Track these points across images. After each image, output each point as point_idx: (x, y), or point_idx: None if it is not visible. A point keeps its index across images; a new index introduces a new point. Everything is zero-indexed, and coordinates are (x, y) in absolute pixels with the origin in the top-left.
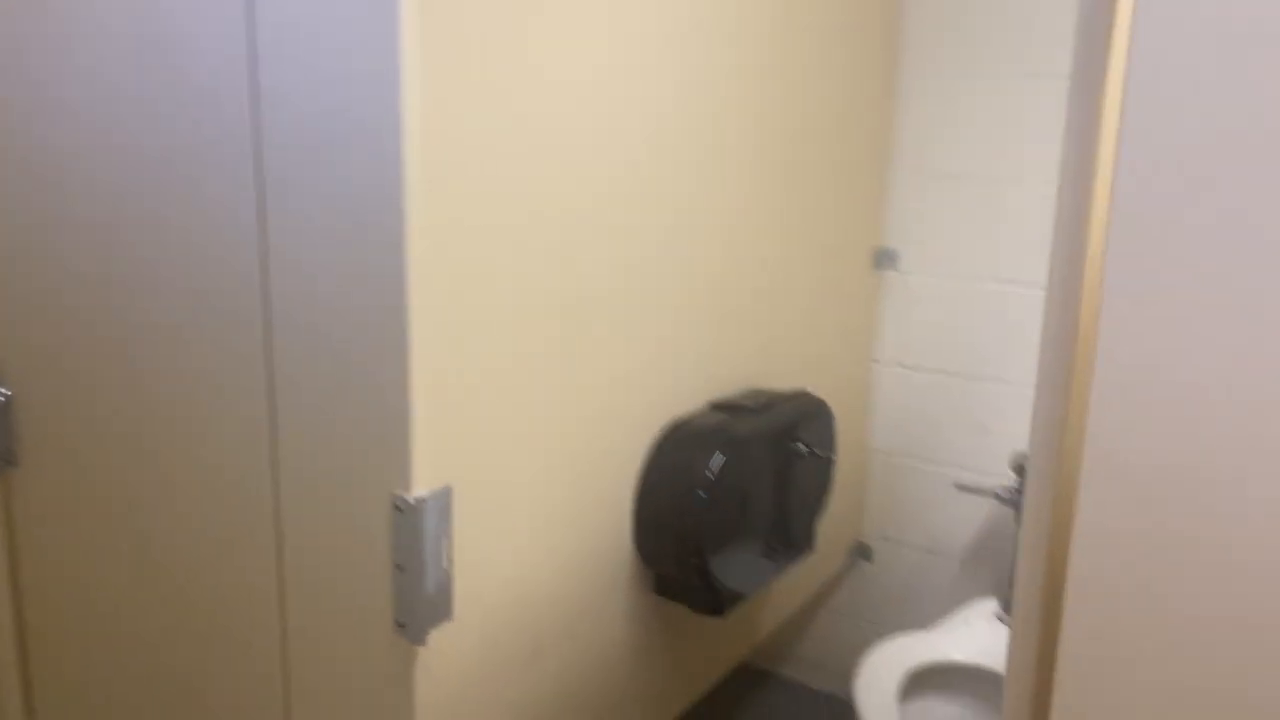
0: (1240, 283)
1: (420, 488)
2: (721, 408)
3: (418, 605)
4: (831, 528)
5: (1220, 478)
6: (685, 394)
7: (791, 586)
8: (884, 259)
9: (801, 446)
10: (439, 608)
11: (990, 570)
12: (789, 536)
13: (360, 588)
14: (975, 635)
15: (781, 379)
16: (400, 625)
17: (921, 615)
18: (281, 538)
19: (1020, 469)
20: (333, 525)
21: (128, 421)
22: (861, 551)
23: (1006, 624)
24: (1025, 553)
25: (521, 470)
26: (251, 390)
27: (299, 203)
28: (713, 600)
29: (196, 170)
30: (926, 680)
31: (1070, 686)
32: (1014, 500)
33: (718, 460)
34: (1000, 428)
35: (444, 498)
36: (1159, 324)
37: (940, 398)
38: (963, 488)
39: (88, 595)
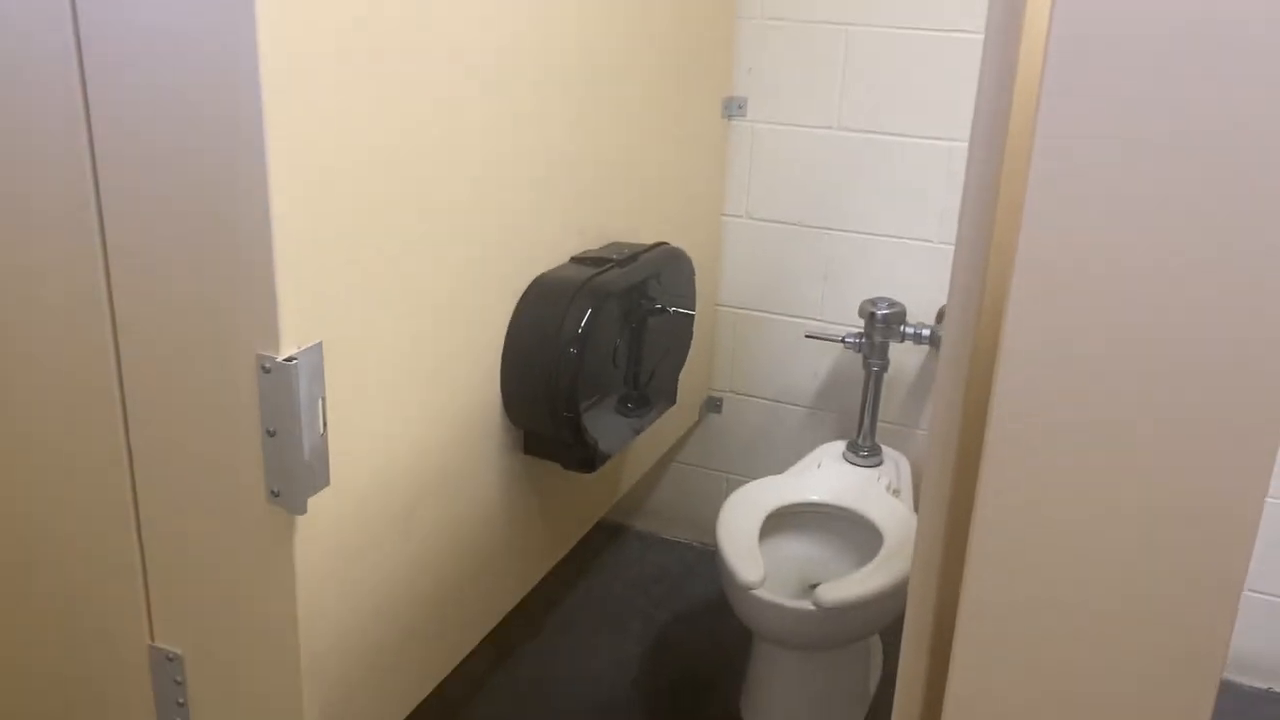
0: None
1: (289, 346)
2: (583, 261)
3: (294, 472)
4: (684, 381)
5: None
6: (548, 251)
7: (650, 441)
8: (732, 108)
9: (667, 300)
10: (316, 473)
11: (837, 415)
12: (654, 391)
13: (226, 458)
14: (827, 477)
15: (641, 235)
16: (275, 494)
17: (772, 463)
18: (127, 411)
19: (871, 316)
20: (189, 394)
21: None
22: (712, 405)
23: (854, 464)
24: (942, 383)
25: (387, 329)
26: (82, 246)
27: (127, 23)
28: (585, 456)
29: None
30: (783, 521)
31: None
32: (878, 345)
33: (587, 313)
34: (848, 277)
35: (315, 356)
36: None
37: (789, 249)
38: (812, 336)
39: None
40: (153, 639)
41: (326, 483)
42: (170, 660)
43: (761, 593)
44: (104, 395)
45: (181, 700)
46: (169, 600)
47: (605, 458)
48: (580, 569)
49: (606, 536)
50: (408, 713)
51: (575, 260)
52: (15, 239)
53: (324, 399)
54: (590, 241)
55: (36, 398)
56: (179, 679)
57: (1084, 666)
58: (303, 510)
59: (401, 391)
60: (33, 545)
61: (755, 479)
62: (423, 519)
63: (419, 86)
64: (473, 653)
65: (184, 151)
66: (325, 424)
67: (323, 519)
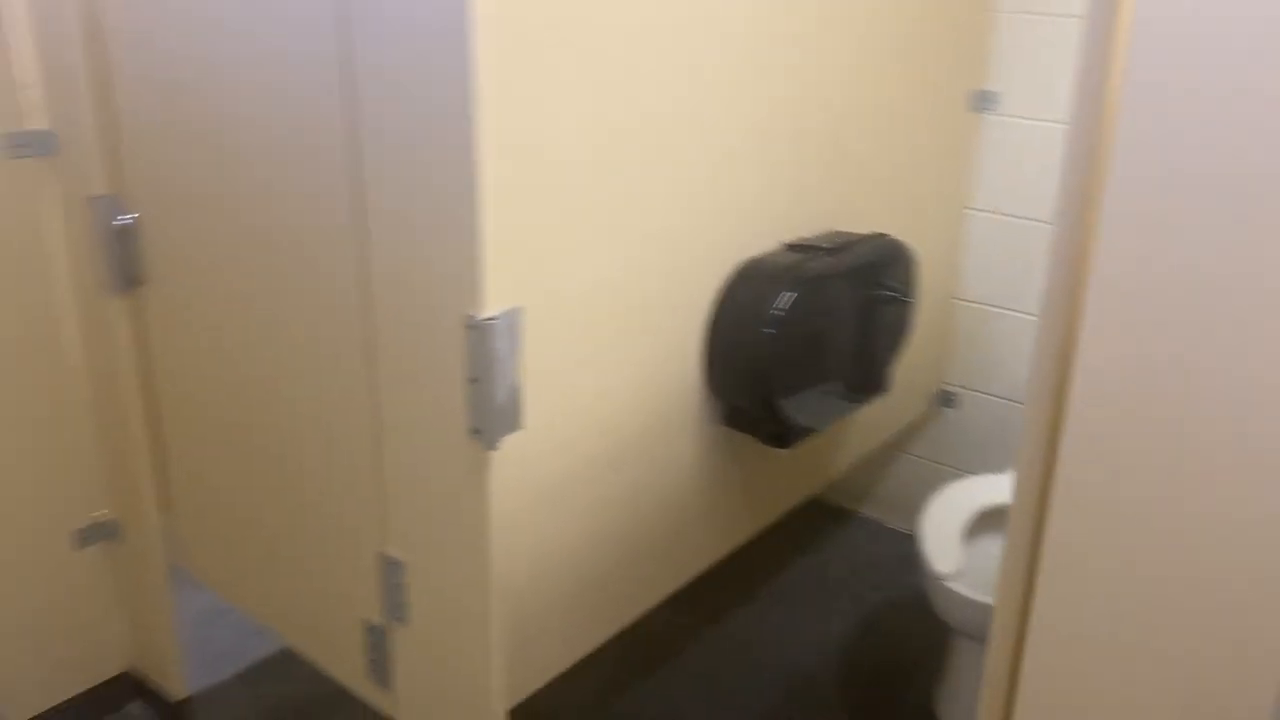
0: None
1: (491, 309)
2: (796, 248)
3: (490, 415)
4: (915, 374)
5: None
6: (761, 235)
7: (869, 428)
8: (982, 101)
9: (880, 290)
10: (510, 417)
11: None
12: (863, 377)
13: (442, 398)
14: None
15: (867, 223)
16: (475, 432)
17: (1004, 462)
18: (373, 350)
19: None
20: (417, 342)
21: (234, 242)
22: (945, 399)
23: None
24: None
25: (595, 299)
26: (342, 219)
27: (379, 20)
28: (779, 433)
29: (285, 7)
30: (999, 520)
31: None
32: None
33: (787, 297)
34: None
35: (513, 318)
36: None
37: (1035, 246)
38: None
39: (207, 393)
40: (384, 547)
41: (519, 427)
42: (395, 566)
43: (954, 584)
44: (357, 344)
45: (402, 602)
46: (397, 515)
47: (801, 436)
48: (801, 547)
49: (831, 519)
50: (594, 647)
51: (789, 246)
52: (300, 208)
53: (519, 355)
54: (808, 229)
55: (301, 337)
56: (401, 583)
57: (1156, 671)
58: (495, 447)
59: (605, 356)
60: (299, 458)
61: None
62: (621, 474)
63: (642, 63)
64: (687, 608)
65: (418, 133)
66: (519, 376)
67: (517, 458)
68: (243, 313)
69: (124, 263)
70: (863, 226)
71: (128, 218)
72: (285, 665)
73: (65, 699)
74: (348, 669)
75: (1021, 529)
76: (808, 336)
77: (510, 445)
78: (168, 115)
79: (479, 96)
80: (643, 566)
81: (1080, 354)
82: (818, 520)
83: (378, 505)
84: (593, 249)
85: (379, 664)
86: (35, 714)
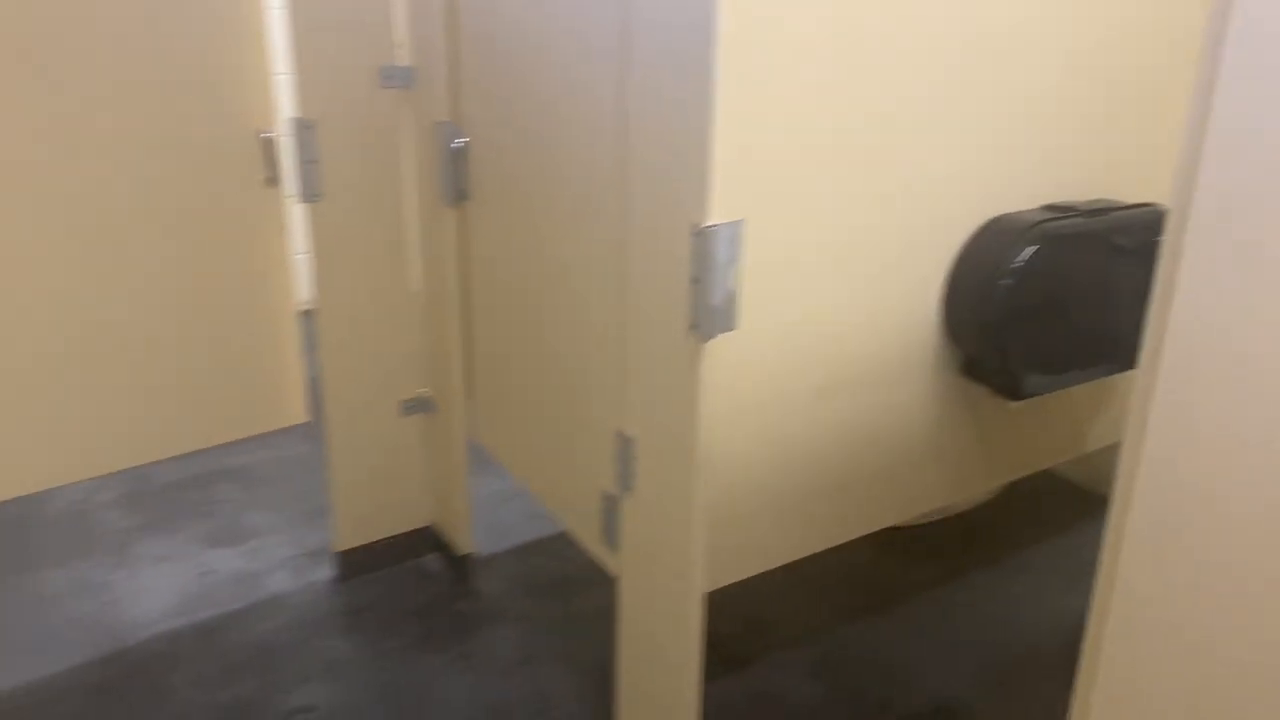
0: None
1: (714, 218)
2: (1052, 208)
3: (706, 312)
4: None
5: None
6: (1019, 193)
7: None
8: None
9: (1132, 264)
10: (725, 317)
11: None
12: (1115, 347)
13: (670, 296)
14: None
15: (1143, 195)
16: (693, 326)
17: None
18: (623, 252)
19: None
20: (655, 246)
21: (532, 167)
22: None
23: None
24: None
25: (836, 225)
26: (609, 147)
27: None
28: (1010, 383)
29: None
30: None
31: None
32: None
33: (1028, 251)
34: None
35: (734, 229)
36: None
37: None
38: None
39: (502, 294)
40: (621, 425)
41: (732, 327)
42: (628, 442)
43: None
44: (612, 248)
45: (630, 473)
46: (633, 397)
47: (1034, 392)
48: (1057, 527)
49: (1097, 506)
50: (793, 558)
51: (1045, 207)
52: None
53: (736, 262)
54: (1072, 194)
55: (577, 243)
56: (631, 456)
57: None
58: (707, 340)
59: (836, 283)
60: (566, 349)
61: None
62: (839, 400)
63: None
64: (928, 562)
65: (669, 78)
66: (737, 281)
67: (728, 354)
68: (533, 225)
69: (456, 179)
70: (1138, 196)
71: (461, 141)
72: (555, 545)
73: (380, 538)
74: (588, 533)
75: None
76: (1050, 294)
77: (734, 348)
78: (493, 59)
79: (718, 45)
80: (853, 493)
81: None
82: (1079, 505)
83: (618, 388)
84: (839, 178)
85: (611, 529)
86: (357, 545)
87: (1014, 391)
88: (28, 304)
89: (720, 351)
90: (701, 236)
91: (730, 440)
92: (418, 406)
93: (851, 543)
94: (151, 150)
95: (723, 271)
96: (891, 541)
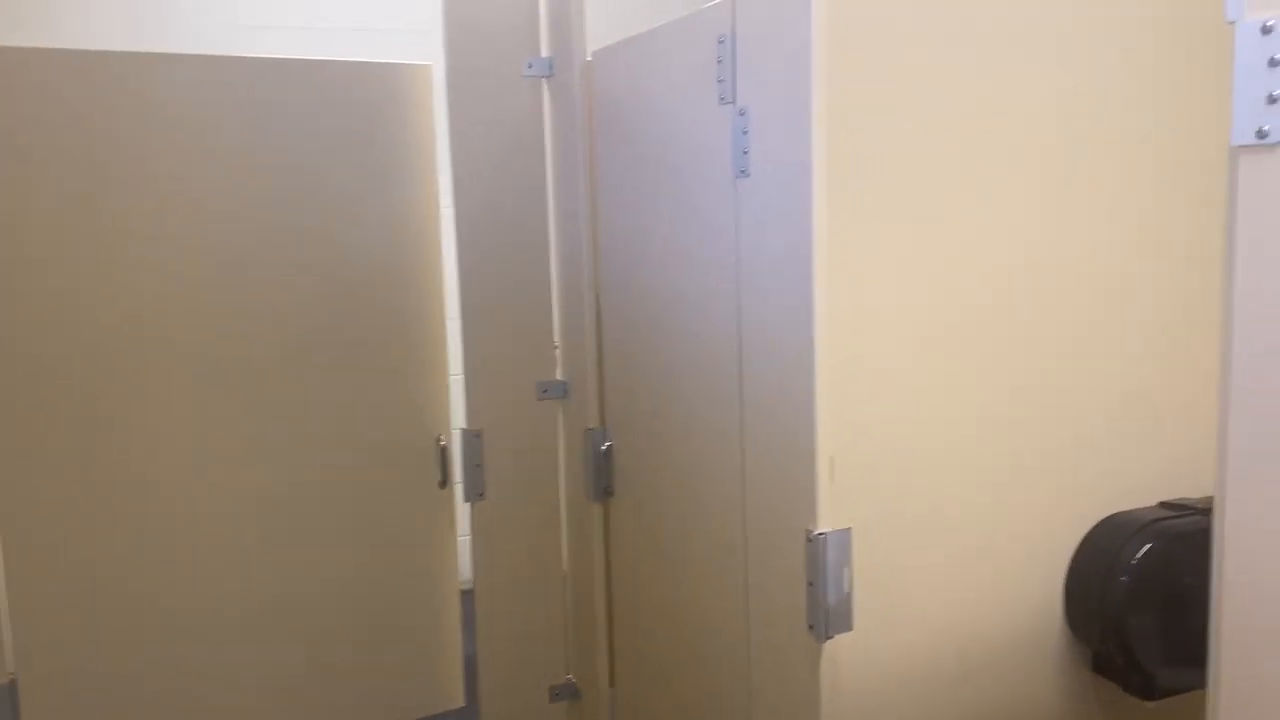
0: None
1: (824, 526)
2: (1169, 505)
3: (822, 613)
4: None
5: None
6: (1135, 491)
7: None
8: None
9: None
10: (841, 618)
11: None
12: None
13: (789, 595)
14: None
15: None
16: (810, 627)
17: None
18: (745, 556)
19: None
20: (773, 550)
21: (668, 467)
22: None
23: None
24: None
25: (937, 535)
26: (733, 454)
27: (760, 320)
28: (1141, 683)
29: (710, 318)
30: None
31: None
32: None
33: (1144, 548)
34: None
35: (844, 535)
36: None
37: None
38: None
39: (645, 586)
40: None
41: (849, 628)
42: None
43: None
44: (739, 552)
45: None
46: (761, 694)
47: (1168, 692)
48: None
49: None
50: None
51: (1162, 504)
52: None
53: (849, 566)
54: (1190, 490)
55: (708, 543)
56: None
57: None
58: (823, 641)
59: (948, 587)
60: (699, 645)
61: None
62: (967, 696)
63: (1021, 324)
64: None
65: (779, 403)
66: (850, 584)
67: (846, 654)
68: (671, 522)
69: (602, 478)
70: None
71: (607, 444)
72: None
73: None
74: None
75: None
76: (1171, 592)
77: (851, 646)
78: (632, 376)
79: (817, 380)
80: None
81: None
82: None
83: (745, 688)
84: (951, 481)
85: None
86: None
87: (1146, 691)
88: (234, 591)
89: (846, 649)
90: (814, 543)
91: None
92: (565, 693)
93: None
94: (343, 454)
95: (835, 574)
96: None
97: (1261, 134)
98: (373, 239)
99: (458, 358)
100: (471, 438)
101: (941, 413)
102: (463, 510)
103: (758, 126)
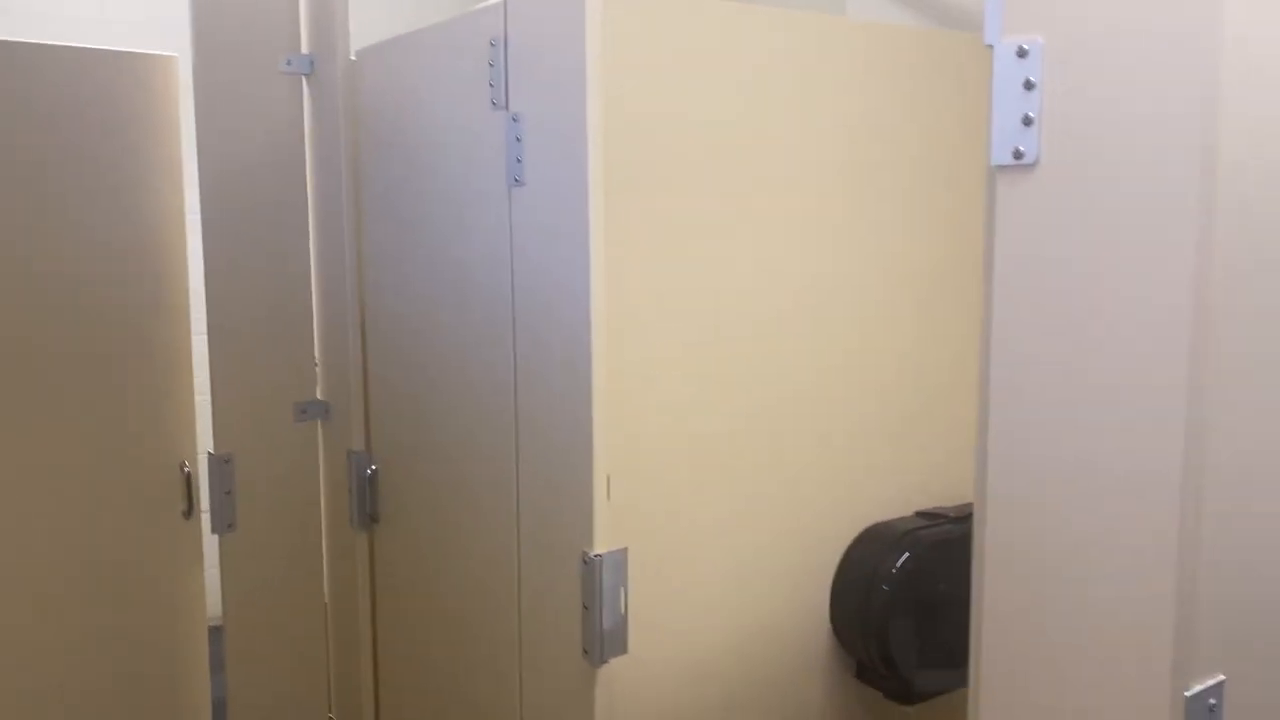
0: None
1: (600, 548)
2: (924, 515)
3: (597, 637)
4: None
5: None
6: (892, 503)
7: None
8: None
9: None
10: (616, 642)
11: None
12: None
13: (563, 619)
14: None
15: None
16: (585, 651)
17: None
18: (520, 578)
19: None
20: (553, 572)
21: (436, 492)
22: None
23: None
24: None
25: (712, 550)
26: (507, 474)
27: (535, 333)
28: (900, 689)
29: (483, 332)
30: None
31: None
32: None
33: (901, 556)
34: None
35: (620, 556)
36: None
37: None
38: None
39: (418, 616)
40: None
41: (624, 651)
42: None
43: None
44: (513, 574)
45: None
46: (530, 707)
47: (923, 696)
48: None
49: None
50: None
51: (918, 513)
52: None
53: (625, 588)
54: (941, 499)
55: (482, 572)
56: None
57: None
58: (598, 665)
59: (721, 602)
60: (470, 674)
61: None
62: (744, 711)
63: (773, 348)
64: None
65: (555, 423)
66: (626, 606)
67: (622, 678)
68: (442, 548)
69: (366, 504)
70: None
71: (372, 468)
72: None
73: None
74: None
75: None
76: (927, 599)
77: (626, 669)
78: (399, 395)
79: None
80: None
81: None
82: None
83: (517, 717)
84: (721, 495)
85: None
86: None
87: (905, 696)
88: None
89: (621, 672)
90: (590, 565)
91: None
92: None
93: None
94: (74, 484)
95: (610, 597)
96: None
97: (1018, 154)
98: (108, 243)
99: (206, 376)
100: (220, 463)
101: (712, 426)
102: (211, 541)
103: (532, 134)
